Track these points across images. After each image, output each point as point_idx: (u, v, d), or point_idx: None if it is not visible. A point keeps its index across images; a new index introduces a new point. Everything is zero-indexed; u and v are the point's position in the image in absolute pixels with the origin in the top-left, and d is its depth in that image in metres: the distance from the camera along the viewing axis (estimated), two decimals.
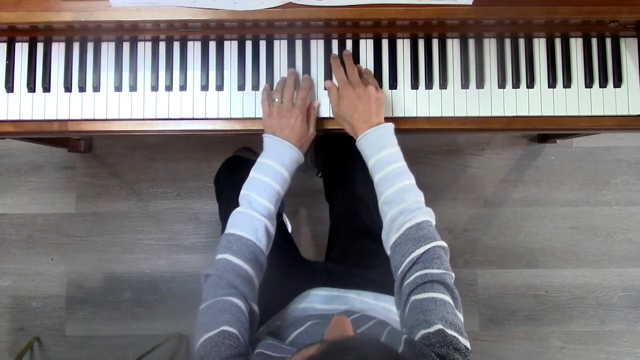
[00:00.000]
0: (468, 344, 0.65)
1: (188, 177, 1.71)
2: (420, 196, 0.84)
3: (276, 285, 0.94)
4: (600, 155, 1.72)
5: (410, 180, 0.85)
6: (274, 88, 0.96)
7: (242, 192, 0.88)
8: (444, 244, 0.78)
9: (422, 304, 0.70)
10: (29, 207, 1.71)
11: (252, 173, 0.89)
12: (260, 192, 0.87)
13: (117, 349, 1.68)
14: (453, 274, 0.75)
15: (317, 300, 0.95)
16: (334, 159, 1.26)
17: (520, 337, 1.69)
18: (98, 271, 1.70)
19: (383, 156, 0.86)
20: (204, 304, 0.75)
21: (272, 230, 0.88)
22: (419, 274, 0.73)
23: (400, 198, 0.82)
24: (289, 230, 1.64)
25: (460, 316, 0.70)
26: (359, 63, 0.99)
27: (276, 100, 0.93)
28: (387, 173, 0.85)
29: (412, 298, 0.72)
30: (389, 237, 0.82)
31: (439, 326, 0.65)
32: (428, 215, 0.81)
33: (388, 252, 0.83)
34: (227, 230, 0.85)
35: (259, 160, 0.90)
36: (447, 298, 0.71)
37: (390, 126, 0.90)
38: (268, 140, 0.92)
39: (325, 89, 0.98)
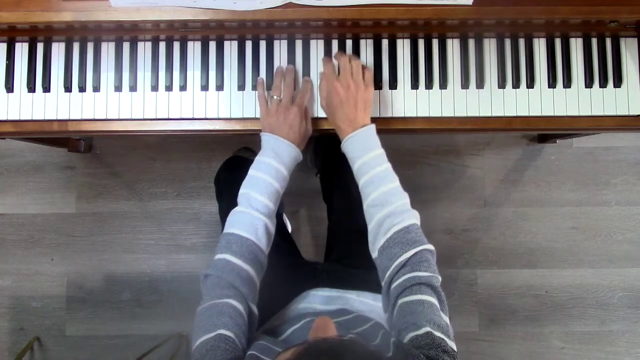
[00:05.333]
0: (454, 346, 0.66)
1: (188, 177, 1.71)
2: (406, 198, 0.84)
3: (276, 285, 0.94)
4: (600, 155, 1.72)
5: (395, 182, 0.85)
6: (273, 84, 0.95)
7: (241, 190, 0.87)
8: (431, 247, 0.79)
9: (409, 307, 0.70)
10: (29, 207, 1.71)
11: (251, 171, 0.89)
12: (259, 191, 0.86)
13: (117, 349, 1.68)
14: (439, 277, 0.75)
15: (317, 300, 0.95)
16: (332, 160, 1.26)
17: (520, 337, 1.69)
18: (98, 271, 1.70)
19: (368, 159, 0.86)
20: (203, 305, 0.75)
21: (272, 229, 0.87)
22: (407, 277, 0.74)
23: (387, 201, 0.82)
24: (289, 230, 1.64)
25: (446, 318, 0.70)
26: None
27: (275, 97, 0.93)
28: (373, 176, 0.85)
29: (400, 301, 0.72)
30: (377, 240, 0.82)
31: (427, 328, 0.65)
32: (415, 218, 0.82)
33: (374, 254, 0.83)
34: (226, 230, 0.84)
35: (258, 158, 0.90)
36: (434, 300, 0.71)
37: (373, 127, 0.89)
38: (266, 138, 0.91)
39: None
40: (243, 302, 0.75)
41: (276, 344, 0.73)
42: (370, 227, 0.84)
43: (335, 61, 0.97)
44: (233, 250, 0.81)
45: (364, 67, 0.93)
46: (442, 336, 0.65)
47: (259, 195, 0.86)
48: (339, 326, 0.77)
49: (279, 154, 0.89)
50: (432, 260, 0.77)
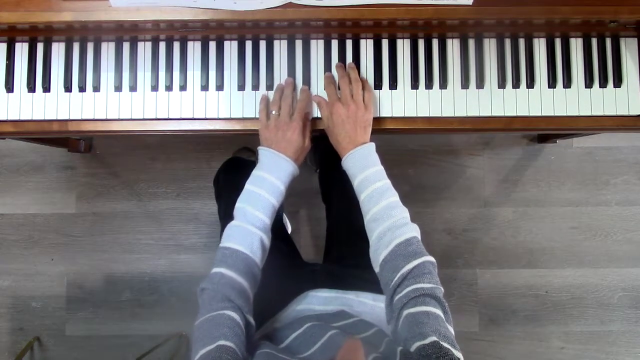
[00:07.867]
0: (461, 357, 0.66)
1: (188, 177, 1.71)
2: (405, 212, 0.85)
3: (275, 286, 0.94)
4: (600, 155, 1.72)
5: (395, 197, 0.86)
6: (272, 99, 0.96)
7: (237, 205, 0.88)
8: (432, 259, 0.79)
9: (415, 318, 0.70)
10: (29, 207, 1.71)
11: (248, 186, 0.89)
12: (255, 205, 0.87)
13: (117, 349, 1.68)
14: (442, 288, 0.76)
15: (316, 301, 0.95)
16: (330, 160, 1.26)
17: (520, 337, 1.69)
18: (98, 271, 1.70)
19: (368, 174, 0.87)
20: (200, 318, 0.74)
21: (267, 243, 0.88)
22: (411, 289, 0.74)
23: (387, 215, 0.83)
24: (289, 231, 1.64)
25: (452, 329, 0.71)
26: (359, 63, 0.99)
27: (273, 112, 0.93)
28: (373, 191, 0.86)
29: (405, 312, 0.72)
30: (378, 254, 0.82)
31: (434, 338, 0.65)
32: (415, 231, 0.82)
33: (377, 269, 0.84)
34: (222, 244, 0.85)
35: (255, 172, 0.90)
36: (439, 312, 0.71)
37: (372, 145, 0.91)
38: (264, 153, 0.92)
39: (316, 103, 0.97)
40: (239, 313, 0.75)
41: (279, 352, 0.73)
42: (372, 241, 0.85)
43: (335, 76, 0.98)
44: (228, 263, 0.81)
45: (364, 88, 0.94)
46: (448, 346, 0.65)
47: (255, 210, 0.86)
48: (340, 331, 0.77)
49: (276, 169, 0.90)
50: (434, 272, 0.78)
